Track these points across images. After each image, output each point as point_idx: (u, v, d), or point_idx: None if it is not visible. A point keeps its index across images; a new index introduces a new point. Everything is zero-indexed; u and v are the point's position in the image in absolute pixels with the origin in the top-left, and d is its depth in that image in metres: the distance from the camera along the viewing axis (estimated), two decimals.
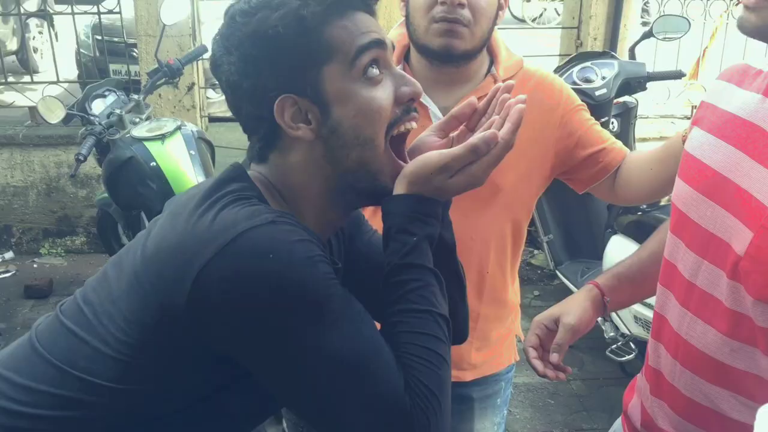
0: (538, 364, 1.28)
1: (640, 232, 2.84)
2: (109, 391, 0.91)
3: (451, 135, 1.04)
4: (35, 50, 7.18)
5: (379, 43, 0.94)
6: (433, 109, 1.51)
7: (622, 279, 1.35)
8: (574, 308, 1.31)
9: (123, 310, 0.91)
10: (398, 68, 0.98)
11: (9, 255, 4.32)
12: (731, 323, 0.98)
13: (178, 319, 0.86)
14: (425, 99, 1.51)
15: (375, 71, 0.93)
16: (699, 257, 1.02)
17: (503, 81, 1.53)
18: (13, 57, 7.19)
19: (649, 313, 2.60)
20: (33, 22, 7.00)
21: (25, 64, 6.69)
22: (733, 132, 1.00)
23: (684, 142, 1.37)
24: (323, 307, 0.85)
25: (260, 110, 0.93)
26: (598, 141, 1.58)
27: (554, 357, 1.27)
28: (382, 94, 0.94)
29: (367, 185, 0.96)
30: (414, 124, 0.99)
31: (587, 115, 1.61)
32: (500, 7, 1.49)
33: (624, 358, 2.84)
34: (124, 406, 0.92)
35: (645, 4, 5.80)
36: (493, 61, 1.56)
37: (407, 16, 1.50)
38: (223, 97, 1.01)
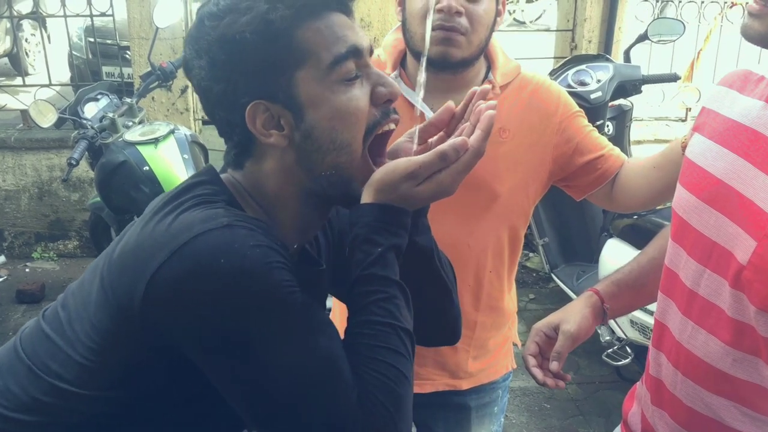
0: (538, 373, 1.27)
1: (635, 235, 2.83)
2: (78, 398, 0.91)
3: (430, 141, 1.01)
4: (27, 53, 7.14)
5: (357, 51, 0.91)
6: (430, 115, 1.50)
7: (621, 286, 1.33)
8: (573, 316, 1.30)
9: (91, 315, 0.91)
10: (377, 70, 0.96)
11: (1, 259, 4.29)
12: (734, 333, 0.97)
13: (134, 322, 0.85)
14: (422, 105, 1.50)
15: (352, 75, 0.91)
16: (701, 266, 1.01)
17: (501, 87, 1.54)
18: (5, 59, 7.16)
19: (645, 318, 2.59)
20: (26, 24, 6.96)
21: (17, 66, 6.66)
22: (735, 139, 0.99)
23: (683, 148, 1.36)
24: (275, 316, 0.83)
25: (232, 116, 0.91)
26: (597, 148, 1.56)
27: (554, 365, 1.25)
28: (358, 96, 0.91)
29: (340, 191, 0.94)
30: (393, 126, 0.96)
31: (585, 121, 1.60)
32: (498, 14, 1.48)
33: (620, 363, 2.83)
34: (95, 413, 0.91)
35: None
36: (490, 66, 1.55)
37: (403, 23, 1.49)
38: None
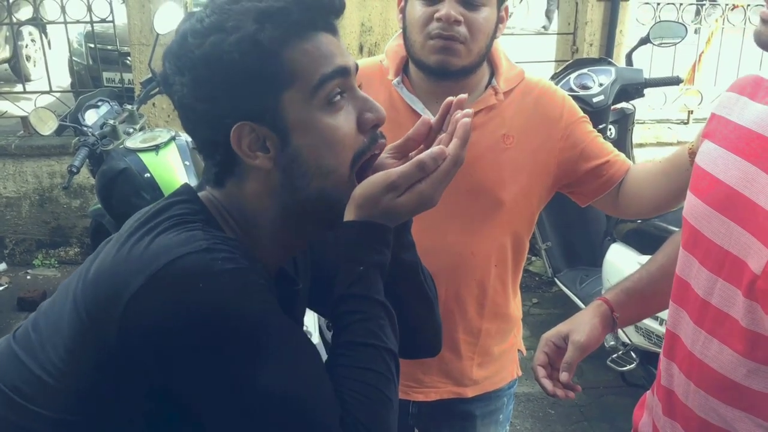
0: (548, 384, 1.25)
1: (639, 240, 2.82)
2: (50, 421, 0.88)
3: (410, 155, 0.99)
4: (28, 58, 7.14)
5: (343, 71, 0.90)
6: (427, 114, 1.49)
7: (631, 294, 1.32)
8: (583, 325, 1.28)
9: (64, 337, 0.88)
10: (363, 94, 0.94)
11: (2, 266, 4.27)
12: (748, 343, 0.95)
13: (110, 348, 0.83)
14: (425, 112, 1.48)
15: (338, 98, 0.89)
16: (713, 275, 1.00)
17: (504, 93, 1.53)
18: (6, 65, 7.15)
19: (650, 323, 2.58)
20: (26, 30, 6.96)
21: (17, 72, 6.65)
22: (747, 146, 0.97)
23: (690, 154, 1.35)
24: (255, 339, 0.81)
25: (216, 135, 0.88)
26: (602, 153, 1.55)
27: (564, 376, 1.24)
28: (345, 122, 0.89)
29: (325, 215, 0.92)
30: (379, 152, 0.95)
31: (590, 127, 1.58)
32: (500, 20, 1.47)
33: (625, 368, 2.81)
34: None
35: None
36: (494, 72, 1.54)
37: (404, 30, 1.48)
38: None
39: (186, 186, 0.96)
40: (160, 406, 0.87)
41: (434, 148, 0.89)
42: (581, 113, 1.58)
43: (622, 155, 1.59)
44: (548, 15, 10.78)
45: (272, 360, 0.82)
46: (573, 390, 1.25)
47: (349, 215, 0.89)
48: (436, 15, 1.38)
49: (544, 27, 10.79)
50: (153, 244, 0.83)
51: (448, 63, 1.41)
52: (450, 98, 0.97)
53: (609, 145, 1.58)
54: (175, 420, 0.88)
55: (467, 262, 1.53)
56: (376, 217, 0.89)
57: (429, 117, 0.99)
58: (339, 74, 0.89)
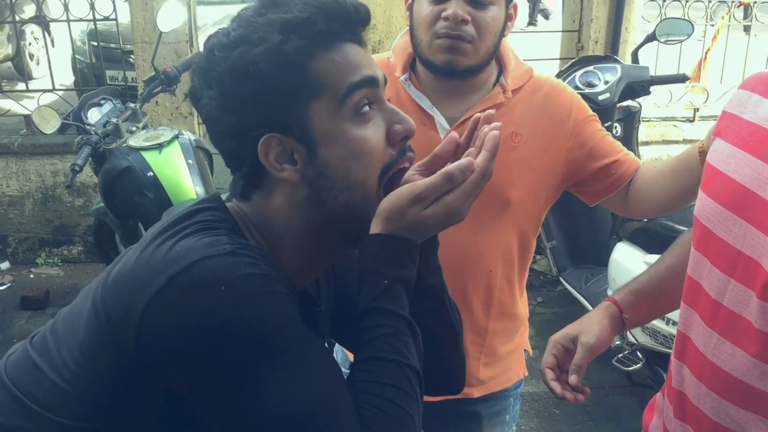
0: (556, 386, 1.24)
1: (646, 239, 2.79)
2: (63, 428, 0.87)
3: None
4: (32, 57, 7.14)
5: (371, 81, 0.89)
6: (440, 119, 1.47)
7: (640, 295, 1.30)
8: (592, 327, 1.26)
9: (80, 341, 0.87)
10: (390, 105, 0.93)
11: (5, 265, 4.27)
12: (761, 345, 0.93)
13: (127, 351, 0.82)
14: (432, 110, 1.47)
15: (366, 109, 0.88)
16: (726, 276, 0.98)
17: (513, 91, 1.51)
18: (9, 63, 7.15)
19: (656, 322, 2.56)
20: (29, 28, 6.95)
21: (21, 70, 6.65)
22: (760, 144, 0.95)
23: (700, 153, 1.33)
24: (275, 347, 0.80)
25: (243, 148, 0.88)
26: (611, 152, 1.53)
27: (573, 379, 1.22)
28: (373, 134, 0.88)
29: (352, 229, 0.91)
30: (408, 164, 0.94)
31: (599, 125, 1.57)
32: (509, 19, 1.45)
33: (631, 368, 2.79)
34: None
35: None
36: (502, 70, 1.52)
37: (411, 28, 1.46)
38: None
39: (214, 195, 0.95)
40: (174, 413, 0.86)
41: (463, 160, 0.88)
42: (590, 111, 1.57)
43: (632, 154, 1.57)
44: (534, 13, 10.84)
45: (291, 370, 0.80)
46: (582, 393, 1.23)
47: (374, 228, 0.88)
48: (443, 14, 1.37)
49: (531, 24, 10.82)
50: (176, 246, 0.82)
51: (455, 62, 1.40)
52: (478, 114, 0.95)
53: (618, 144, 1.57)
54: (188, 427, 0.87)
55: (474, 261, 1.51)
56: (402, 230, 0.87)
57: (455, 135, 0.97)
58: (367, 84, 0.88)
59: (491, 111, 0.95)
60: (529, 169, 1.50)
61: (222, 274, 0.79)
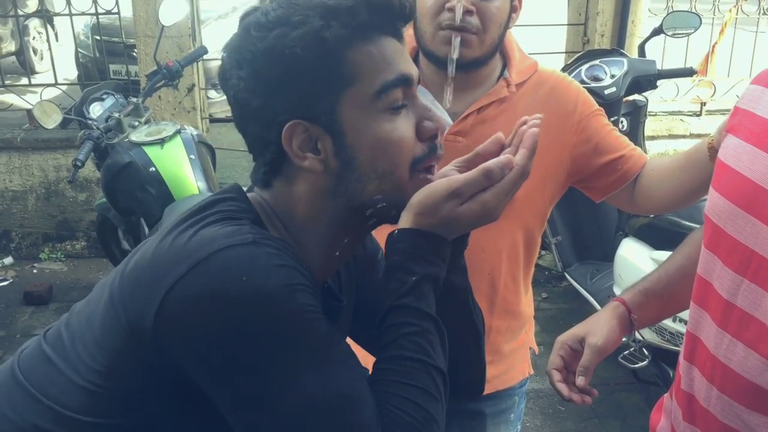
0: (563, 388, 1.21)
1: (653, 235, 2.77)
2: (77, 424, 0.85)
3: None
4: (35, 51, 7.12)
5: (406, 80, 0.87)
6: (443, 113, 1.45)
7: (649, 295, 1.27)
8: (600, 327, 1.24)
9: (96, 334, 0.86)
10: (423, 100, 0.91)
11: (8, 260, 4.26)
12: None
13: (144, 342, 0.80)
14: (434, 104, 1.45)
15: (398, 105, 0.86)
16: (738, 275, 0.95)
17: (517, 85, 1.48)
18: (13, 58, 7.14)
19: (664, 320, 2.53)
20: (33, 23, 6.94)
21: (24, 65, 6.64)
22: None
23: (710, 149, 1.30)
24: (295, 341, 0.78)
25: (268, 133, 0.86)
26: (617, 147, 1.51)
27: (581, 380, 1.20)
28: (403, 127, 0.86)
29: (388, 213, 0.89)
30: (435, 163, 0.91)
31: (605, 120, 1.54)
32: (513, 10, 1.43)
33: (637, 365, 2.75)
34: None
35: None
36: (506, 64, 1.49)
37: (414, 20, 1.43)
38: (224, 97, 0.95)
39: (235, 185, 0.94)
40: (189, 409, 0.84)
41: (502, 157, 0.86)
42: (596, 106, 1.54)
43: (639, 149, 1.54)
44: None
45: (310, 366, 0.78)
46: (590, 394, 1.21)
47: (404, 222, 0.86)
48: (448, 5, 1.34)
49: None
50: (197, 235, 0.81)
51: (459, 55, 1.37)
52: (525, 117, 0.93)
53: (625, 139, 1.54)
54: (205, 424, 0.85)
55: (477, 258, 1.48)
56: (434, 226, 0.85)
57: (501, 135, 0.94)
58: (402, 82, 0.86)
59: (539, 115, 0.91)
60: (535, 164, 1.47)
61: (244, 263, 0.77)
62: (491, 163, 0.85)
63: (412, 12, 0.90)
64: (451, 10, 1.34)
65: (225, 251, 0.78)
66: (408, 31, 1.51)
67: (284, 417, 0.78)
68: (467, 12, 1.34)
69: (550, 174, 1.50)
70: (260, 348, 0.77)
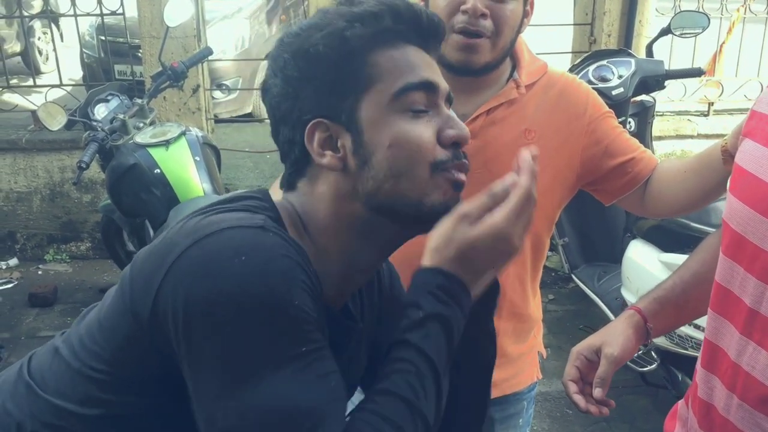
0: (580, 400, 1.19)
1: (661, 237, 2.75)
2: (74, 417, 0.85)
3: None
4: (41, 52, 7.12)
5: (430, 86, 0.87)
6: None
7: (665, 303, 1.25)
8: (616, 338, 1.22)
9: (101, 316, 0.86)
10: (449, 112, 0.90)
11: (13, 261, 4.25)
12: None
13: (142, 322, 0.80)
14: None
15: (419, 108, 0.86)
16: (762, 283, 0.93)
17: (526, 87, 1.46)
18: (18, 58, 7.14)
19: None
20: (38, 23, 6.94)
21: (29, 66, 6.64)
22: None
23: (723, 153, 1.28)
24: (280, 334, 0.75)
25: (294, 134, 0.88)
26: (628, 150, 1.49)
27: (598, 392, 1.18)
28: (422, 129, 0.86)
29: (413, 214, 0.87)
30: (463, 177, 0.89)
31: (615, 122, 1.52)
32: (525, 14, 1.40)
33: (645, 369, 2.75)
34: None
35: None
36: (515, 65, 1.47)
37: None
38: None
39: (262, 189, 0.95)
40: (185, 399, 0.81)
41: (504, 177, 0.85)
42: (606, 108, 1.52)
43: (649, 152, 1.52)
44: None
45: (288, 365, 0.75)
46: (607, 405, 1.19)
47: (424, 260, 0.84)
48: (463, 7, 1.32)
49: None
50: (207, 218, 0.82)
51: (470, 62, 1.36)
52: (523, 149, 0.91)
53: (635, 141, 1.52)
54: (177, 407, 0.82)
55: None
56: (449, 261, 0.82)
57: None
58: (424, 87, 0.86)
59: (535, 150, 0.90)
60: (543, 167, 1.43)
61: (247, 244, 0.77)
62: (493, 183, 0.85)
63: (443, 30, 0.91)
64: (466, 12, 1.32)
65: (231, 230, 0.78)
66: None
67: (235, 411, 0.74)
68: (481, 15, 1.32)
69: (559, 177, 1.48)
70: (238, 332, 0.74)
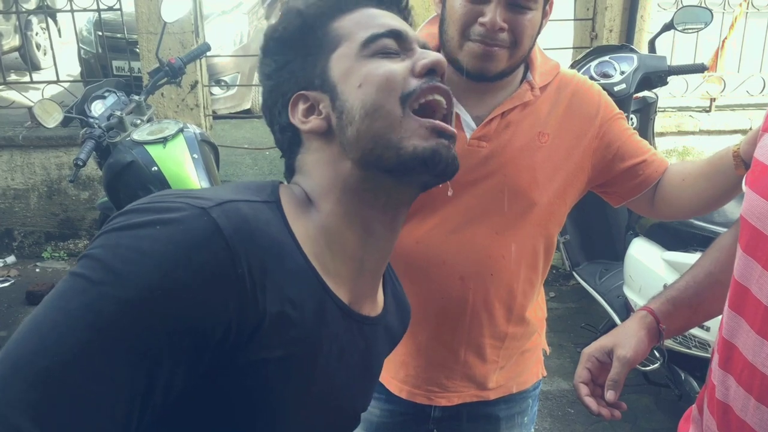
0: (592, 403, 1.16)
1: (664, 235, 2.72)
2: None
3: None
4: (38, 47, 7.08)
5: (398, 34, 0.87)
6: (466, 118, 1.40)
7: (677, 304, 1.22)
8: (628, 339, 1.19)
9: None
10: (423, 50, 0.89)
11: (11, 259, 4.23)
12: None
13: None
14: (457, 107, 1.39)
15: (390, 50, 0.86)
16: None
17: (540, 88, 1.43)
18: (16, 54, 7.11)
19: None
20: (36, 18, 6.90)
21: (27, 61, 6.61)
22: None
23: (735, 158, 1.26)
24: (99, 308, 0.67)
25: (282, 117, 0.90)
26: (639, 152, 1.46)
27: (610, 395, 1.15)
28: (392, 65, 0.85)
29: (394, 159, 0.84)
30: (438, 97, 0.86)
31: (626, 123, 1.49)
32: (544, 16, 1.36)
33: (648, 368, 2.72)
34: None
35: None
36: (528, 66, 1.44)
37: (441, 21, 1.37)
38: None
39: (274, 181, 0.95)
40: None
41: None
42: (617, 109, 1.49)
43: (660, 154, 1.50)
44: None
45: (77, 322, 0.67)
46: (619, 409, 1.16)
47: None
48: (481, 20, 1.27)
49: None
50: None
51: (486, 70, 1.32)
52: None
53: (646, 144, 1.49)
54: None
55: (497, 266, 1.44)
56: None
57: None
58: (393, 35, 0.87)
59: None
60: (555, 170, 1.42)
61: (174, 219, 0.72)
62: None
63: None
64: (484, 25, 1.28)
65: (188, 207, 0.73)
66: (432, 30, 1.45)
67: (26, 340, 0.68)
68: (499, 30, 1.28)
69: (571, 180, 1.45)
70: (87, 278, 0.69)
